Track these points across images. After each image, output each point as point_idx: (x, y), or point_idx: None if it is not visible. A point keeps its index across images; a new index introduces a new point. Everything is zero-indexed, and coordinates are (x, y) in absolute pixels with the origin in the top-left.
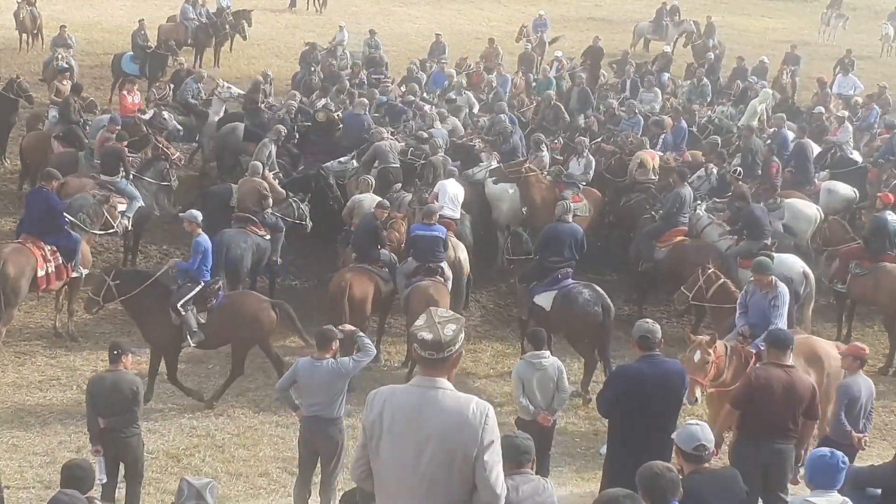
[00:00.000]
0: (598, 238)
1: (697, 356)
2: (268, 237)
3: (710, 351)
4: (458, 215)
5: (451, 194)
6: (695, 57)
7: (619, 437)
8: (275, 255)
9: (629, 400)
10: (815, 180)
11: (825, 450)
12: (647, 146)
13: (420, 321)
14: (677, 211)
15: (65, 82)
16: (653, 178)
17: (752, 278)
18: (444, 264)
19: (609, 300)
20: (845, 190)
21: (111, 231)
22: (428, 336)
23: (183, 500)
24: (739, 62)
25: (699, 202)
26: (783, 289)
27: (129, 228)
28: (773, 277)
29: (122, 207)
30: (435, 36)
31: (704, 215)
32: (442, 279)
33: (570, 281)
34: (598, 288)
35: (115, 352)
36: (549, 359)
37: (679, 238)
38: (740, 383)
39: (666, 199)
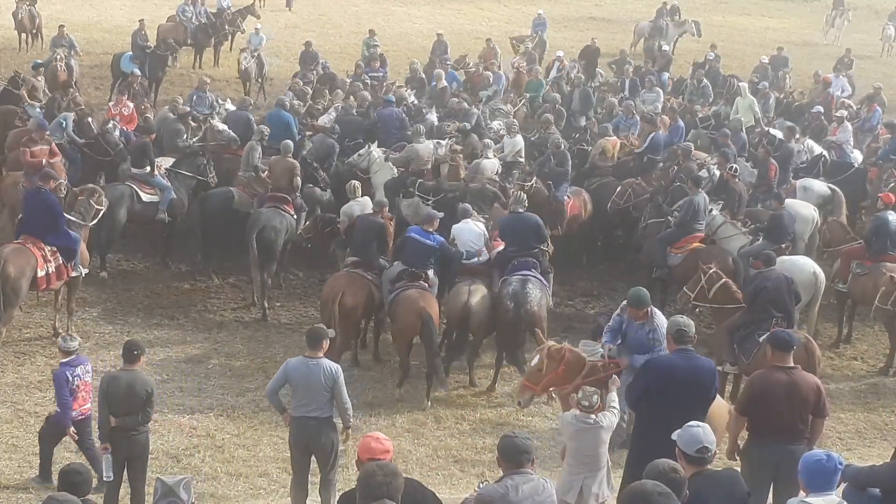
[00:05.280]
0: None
1: (535, 361)
2: (295, 217)
3: (556, 356)
4: (476, 259)
5: (466, 239)
6: (645, 61)
7: (644, 430)
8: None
9: (658, 391)
10: (791, 180)
11: (820, 452)
12: (610, 133)
13: None
14: (691, 219)
15: (39, 78)
16: (610, 163)
17: (623, 303)
18: (431, 271)
19: (532, 305)
20: (820, 187)
21: (93, 223)
22: None
23: (157, 500)
24: (711, 63)
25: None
26: (660, 319)
27: (166, 221)
28: (650, 308)
29: (154, 198)
30: (436, 35)
31: (718, 215)
32: (426, 284)
33: (521, 272)
34: (533, 288)
35: (135, 352)
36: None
37: (695, 244)
38: (743, 389)
39: (680, 207)
